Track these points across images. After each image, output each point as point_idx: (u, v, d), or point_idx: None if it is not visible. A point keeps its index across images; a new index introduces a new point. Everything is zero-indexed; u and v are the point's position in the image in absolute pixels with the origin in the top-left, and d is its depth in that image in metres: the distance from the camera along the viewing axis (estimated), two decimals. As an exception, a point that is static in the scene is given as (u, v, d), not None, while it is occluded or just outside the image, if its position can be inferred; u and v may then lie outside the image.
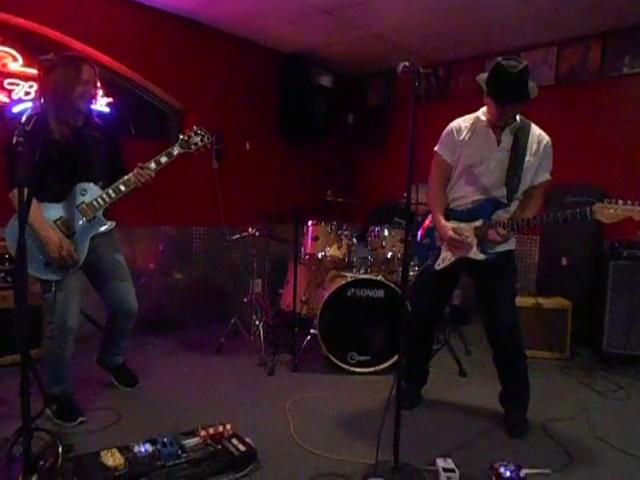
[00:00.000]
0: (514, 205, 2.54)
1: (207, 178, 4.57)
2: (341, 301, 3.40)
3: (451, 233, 2.51)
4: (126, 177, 2.51)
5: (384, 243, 3.61)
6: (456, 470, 2.09)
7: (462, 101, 5.09)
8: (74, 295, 2.49)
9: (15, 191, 2.13)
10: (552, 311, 3.84)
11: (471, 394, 3.05)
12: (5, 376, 2.91)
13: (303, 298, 3.84)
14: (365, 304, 3.42)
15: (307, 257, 3.70)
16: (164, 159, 2.55)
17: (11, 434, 1.99)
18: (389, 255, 3.58)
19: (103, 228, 2.56)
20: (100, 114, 3.72)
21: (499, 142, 2.49)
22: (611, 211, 2.17)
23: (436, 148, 2.67)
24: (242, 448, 2.13)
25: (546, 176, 2.53)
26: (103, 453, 2.02)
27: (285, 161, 5.26)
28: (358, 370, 3.37)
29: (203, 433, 2.21)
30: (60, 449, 1.99)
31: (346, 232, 3.74)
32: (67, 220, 2.44)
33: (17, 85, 3.42)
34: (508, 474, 2.06)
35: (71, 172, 2.44)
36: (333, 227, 3.70)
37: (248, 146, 4.91)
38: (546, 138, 2.51)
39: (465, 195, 2.58)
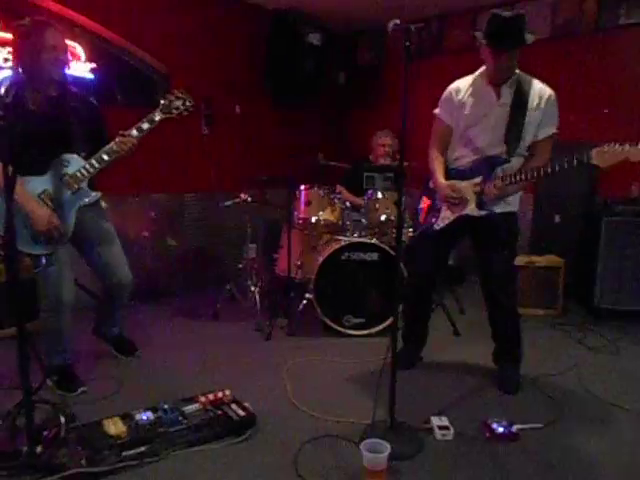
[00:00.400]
0: (516, 161, 2.49)
1: (197, 144, 4.51)
2: (336, 265, 3.42)
3: (448, 190, 2.53)
4: (108, 146, 2.44)
5: (377, 206, 3.59)
6: (450, 427, 2.16)
7: (456, 55, 4.99)
8: (66, 267, 2.47)
9: None
10: (545, 269, 3.88)
11: (465, 353, 3.11)
12: (4, 349, 2.93)
13: (298, 262, 3.85)
14: (360, 267, 3.43)
15: (300, 222, 3.68)
16: (146, 125, 2.48)
17: (13, 406, 2.02)
18: (383, 218, 3.57)
19: (88, 199, 2.51)
20: (81, 80, 3.61)
21: (499, 97, 2.46)
22: (608, 154, 2.14)
23: (435, 111, 2.66)
24: (241, 413, 2.18)
25: (551, 130, 2.46)
26: (105, 422, 2.07)
27: (276, 124, 5.17)
28: (354, 333, 3.42)
29: (203, 399, 2.25)
30: (63, 419, 2.04)
31: (339, 195, 3.71)
32: (51, 193, 2.40)
33: (-5, 52, 3.30)
34: (501, 430, 2.13)
35: (50, 143, 2.37)
36: (326, 191, 3.67)
37: (238, 109, 4.80)
38: (548, 91, 2.45)
39: (465, 154, 2.58)
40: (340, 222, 3.66)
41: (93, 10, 3.74)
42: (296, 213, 3.69)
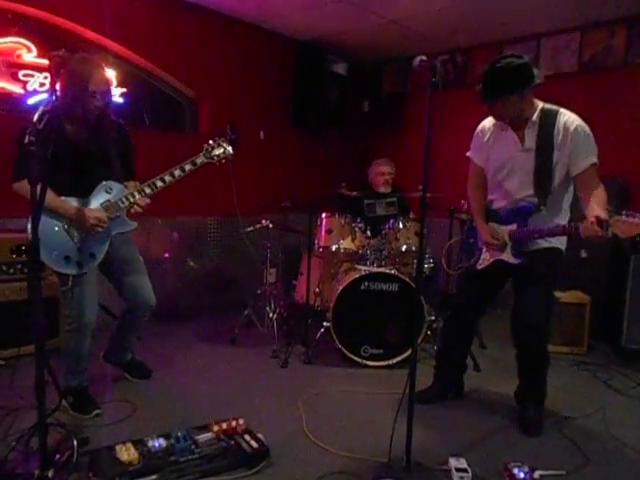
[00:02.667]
0: (551, 210, 2.42)
1: (221, 168, 4.56)
2: (355, 294, 3.38)
3: (487, 236, 2.51)
4: (151, 180, 2.53)
5: (398, 236, 3.57)
6: (469, 470, 2.07)
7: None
8: (92, 288, 2.51)
9: (20, 183, 2.30)
10: (570, 305, 3.77)
11: (485, 390, 3.02)
12: (21, 367, 2.94)
13: (317, 290, 3.83)
14: (379, 297, 3.39)
15: (321, 249, 3.68)
16: (188, 166, 2.59)
17: (27, 428, 2.02)
18: (403, 248, 3.54)
19: (125, 228, 2.58)
20: (114, 106, 3.72)
21: (523, 142, 2.41)
22: (626, 225, 2.01)
23: (468, 153, 2.69)
24: (254, 445, 2.14)
25: (589, 160, 2.29)
26: (118, 447, 2.05)
27: (299, 150, 5.22)
28: (371, 364, 3.36)
29: (216, 428, 2.22)
30: (75, 443, 2.03)
31: (360, 224, 3.70)
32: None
33: (32, 76, 3.43)
34: (522, 475, 2.04)
35: (89, 170, 2.45)
36: (347, 219, 3.66)
37: (262, 135, 4.88)
38: (575, 122, 2.33)
39: (498, 197, 2.58)
40: (360, 251, 3.64)
41: (126, 38, 3.88)
42: (317, 241, 3.69)
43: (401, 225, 3.59)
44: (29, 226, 2.33)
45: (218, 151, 2.65)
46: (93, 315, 2.52)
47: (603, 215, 2.07)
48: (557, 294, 3.78)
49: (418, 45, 4.98)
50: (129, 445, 2.07)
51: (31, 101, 3.42)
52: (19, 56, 3.38)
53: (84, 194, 2.46)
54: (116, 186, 2.52)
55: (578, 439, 2.43)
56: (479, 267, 2.63)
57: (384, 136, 5.75)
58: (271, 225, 3.80)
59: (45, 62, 3.41)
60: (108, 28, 3.77)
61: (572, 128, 2.32)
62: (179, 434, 2.16)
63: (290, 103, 5.07)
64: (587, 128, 2.35)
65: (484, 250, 2.62)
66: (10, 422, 2.35)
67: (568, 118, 2.36)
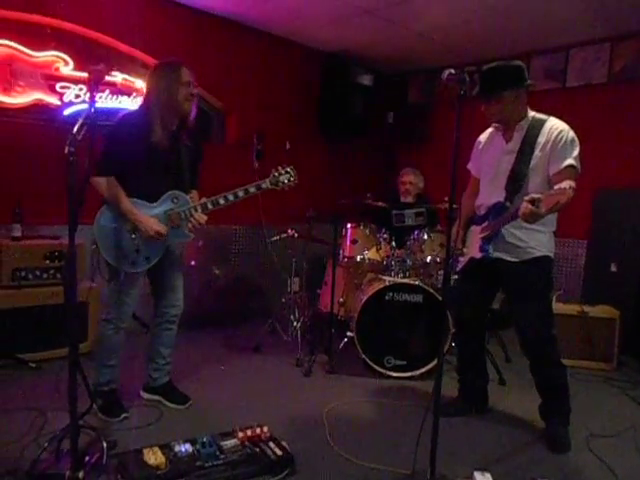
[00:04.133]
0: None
1: (248, 177, 4.63)
2: (379, 305, 3.38)
3: (459, 240, 2.66)
4: (215, 197, 2.59)
5: (423, 247, 3.56)
6: (494, 485, 2.05)
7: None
8: (136, 291, 2.61)
9: (99, 179, 2.42)
10: (599, 320, 3.69)
11: (511, 404, 2.98)
12: (50, 370, 3.04)
13: (341, 300, 3.84)
14: (403, 308, 3.38)
15: (345, 260, 3.69)
16: (253, 189, 2.63)
17: (59, 429, 2.08)
18: (428, 259, 3.53)
19: (182, 238, 2.65)
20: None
21: (507, 143, 2.51)
22: (549, 197, 2.07)
23: (468, 165, 2.80)
24: (279, 452, 2.15)
25: (564, 163, 2.29)
26: (145, 451, 2.08)
27: (324, 161, 5.26)
28: (394, 374, 3.35)
29: (241, 434, 2.24)
30: (105, 445, 2.08)
31: (385, 235, 3.70)
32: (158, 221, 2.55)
33: (68, 88, 3.54)
34: (549, 492, 2.02)
35: (165, 176, 2.55)
36: (372, 230, 3.67)
37: (288, 146, 4.92)
38: (560, 127, 2.37)
39: (480, 202, 2.65)
40: (385, 262, 3.64)
41: (157, 50, 3.97)
42: (341, 251, 3.71)
43: (426, 236, 3.58)
44: (97, 220, 2.49)
45: (284, 178, 2.68)
46: (130, 313, 2.65)
47: (537, 195, 2.08)
48: (585, 308, 3.73)
49: (443, 56, 4.98)
50: (156, 449, 2.10)
51: (67, 112, 3.53)
52: (57, 69, 3.50)
53: (152, 199, 2.54)
54: (182, 197, 2.59)
55: (607, 457, 2.38)
56: (457, 270, 2.74)
57: (409, 147, 5.74)
58: (296, 235, 3.83)
59: (81, 74, 3.54)
60: (139, 41, 3.89)
61: (556, 132, 2.37)
62: (204, 440, 2.19)
63: (316, 114, 5.12)
64: (573, 134, 2.38)
65: (464, 251, 2.72)
66: (41, 423, 2.42)
67: (555, 124, 2.41)
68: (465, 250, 2.73)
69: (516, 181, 2.42)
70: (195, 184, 2.75)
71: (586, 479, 2.18)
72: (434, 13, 4.01)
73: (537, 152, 2.38)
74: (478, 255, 2.58)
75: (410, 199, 4.23)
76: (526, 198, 2.10)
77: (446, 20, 4.13)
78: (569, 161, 2.31)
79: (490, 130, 2.66)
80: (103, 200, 2.49)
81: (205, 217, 2.61)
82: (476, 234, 2.63)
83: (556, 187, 2.09)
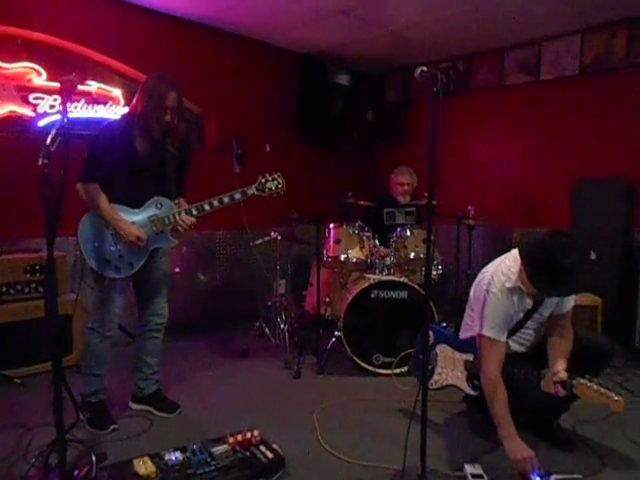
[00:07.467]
0: None
1: (229, 182, 4.61)
2: (365, 303, 3.40)
3: (516, 454, 2.12)
4: (199, 203, 2.61)
5: (406, 244, 3.59)
6: (484, 476, 2.08)
7: (483, 94, 5.04)
8: (121, 298, 2.59)
9: (84, 184, 2.45)
10: (581, 307, 3.74)
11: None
12: (35, 385, 3.01)
13: (327, 300, 3.85)
14: (389, 305, 3.41)
15: (330, 260, 3.70)
16: (238, 195, 2.65)
17: (46, 444, 2.05)
18: (412, 256, 3.56)
19: (166, 244, 2.65)
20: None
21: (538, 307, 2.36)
22: (590, 391, 2.02)
23: (489, 333, 2.28)
24: (270, 455, 2.16)
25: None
26: (135, 461, 2.07)
27: (305, 162, 5.27)
28: (383, 372, 3.36)
29: (231, 440, 2.24)
30: (94, 458, 2.05)
31: (368, 233, 3.72)
32: (139, 225, 2.54)
33: (42, 99, 3.49)
34: (538, 479, 2.04)
35: (144, 183, 2.54)
36: (355, 229, 3.69)
37: (268, 148, 4.91)
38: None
39: None
40: (369, 260, 3.66)
41: (131, 57, 3.95)
42: (325, 251, 3.71)
43: (408, 233, 3.61)
44: (79, 234, 2.49)
45: (272, 185, 2.69)
46: (115, 322, 2.62)
47: (564, 376, 2.12)
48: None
49: (419, 53, 5.03)
50: (146, 459, 2.09)
51: (41, 123, 3.49)
52: (29, 80, 3.45)
53: (135, 205, 2.54)
54: (166, 202, 2.60)
55: (593, 443, 2.43)
56: (430, 387, 2.59)
57: (390, 145, 5.79)
58: (279, 237, 3.83)
59: (54, 85, 3.49)
60: (113, 49, 3.86)
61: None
62: (195, 447, 2.18)
63: (295, 115, 5.13)
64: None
65: (436, 371, 2.64)
66: (29, 439, 2.39)
67: None
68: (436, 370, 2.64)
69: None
70: (181, 191, 2.75)
71: (574, 465, 2.21)
72: (407, 11, 4.05)
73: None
74: (470, 392, 2.50)
75: (407, 199, 4.21)
76: (555, 377, 2.14)
77: (419, 17, 4.17)
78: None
79: (511, 290, 2.24)
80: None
81: (192, 219, 2.61)
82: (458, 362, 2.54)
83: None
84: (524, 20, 4.21)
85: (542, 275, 2.10)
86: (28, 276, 3.20)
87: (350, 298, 3.41)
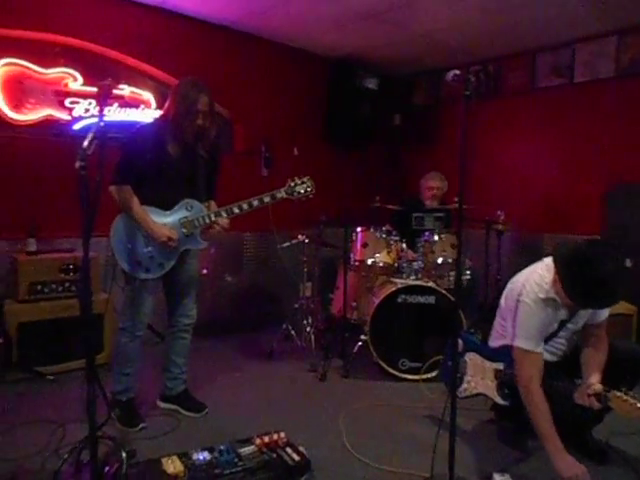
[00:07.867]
0: None
1: (257, 185, 4.65)
2: (391, 307, 3.38)
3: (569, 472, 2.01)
4: (229, 206, 2.64)
5: (434, 248, 3.55)
6: (514, 486, 2.04)
7: (514, 97, 4.95)
8: (151, 298, 2.64)
9: (117, 187, 2.49)
10: (615, 316, 3.63)
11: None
12: (67, 382, 3.08)
13: (353, 304, 3.84)
14: (416, 310, 3.38)
15: (357, 263, 3.69)
16: (267, 199, 2.68)
17: (78, 441, 2.10)
18: (440, 260, 3.52)
19: (196, 245, 2.69)
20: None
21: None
22: (627, 405, 1.91)
23: (525, 345, 2.21)
24: (296, 458, 2.16)
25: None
26: (164, 460, 2.10)
27: (333, 165, 5.26)
28: (409, 377, 3.34)
29: (258, 441, 2.25)
30: (124, 455, 2.09)
31: (396, 237, 3.70)
32: (170, 227, 2.59)
33: (77, 103, 3.59)
34: (570, 492, 1.99)
35: (176, 185, 2.59)
36: (382, 233, 3.67)
37: (296, 152, 4.94)
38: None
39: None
40: (396, 264, 3.64)
41: (163, 62, 4.02)
42: (352, 255, 3.71)
43: (436, 237, 3.58)
44: (111, 235, 2.54)
45: (301, 188, 2.72)
46: (145, 322, 2.67)
47: (599, 388, 2.05)
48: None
49: (448, 56, 4.98)
50: (175, 458, 2.11)
51: (76, 126, 3.58)
52: (66, 85, 3.55)
53: (166, 207, 2.59)
54: (196, 205, 2.64)
55: (628, 456, 2.36)
56: (460, 396, 2.52)
57: (417, 149, 5.73)
58: (307, 240, 3.84)
59: (90, 89, 3.59)
60: (146, 54, 3.94)
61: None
62: (222, 447, 2.20)
63: (323, 119, 5.14)
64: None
65: (465, 379, 2.56)
66: (61, 435, 2.45)
67: None
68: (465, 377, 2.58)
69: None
70: (212, 194, 2.79)
71: (607, 477, 2.15)
72: (437, 14, 4.01)
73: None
74: (500, 401, 2.39)
75: (436, 204, 4.17)
76: (589, 390, 2.07)
77: (449, 21, 4.13)
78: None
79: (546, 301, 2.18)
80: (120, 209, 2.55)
81: (227, 220, 2.66)
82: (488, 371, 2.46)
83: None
84: (556, 21, 4.12)
85: (579, 287, 2.04)
86: (62, 275, 3.29)
87: (377, 302, 3.39)
